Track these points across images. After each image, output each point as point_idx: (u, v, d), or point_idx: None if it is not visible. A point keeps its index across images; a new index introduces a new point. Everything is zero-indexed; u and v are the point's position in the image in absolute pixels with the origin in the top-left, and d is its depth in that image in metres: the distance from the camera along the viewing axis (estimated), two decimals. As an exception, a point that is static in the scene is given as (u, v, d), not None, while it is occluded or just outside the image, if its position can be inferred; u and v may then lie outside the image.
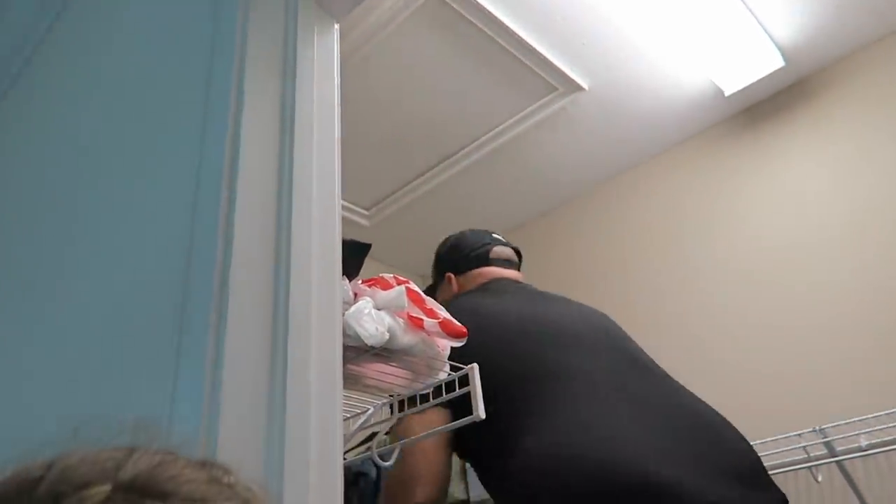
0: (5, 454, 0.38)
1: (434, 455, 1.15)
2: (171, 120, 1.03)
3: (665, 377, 1.25)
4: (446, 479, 1.16)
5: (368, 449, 1.17)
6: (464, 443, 1.18)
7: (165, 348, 0.78)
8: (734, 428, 1.19)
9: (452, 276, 1.51)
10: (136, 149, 1.10)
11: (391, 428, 1.22)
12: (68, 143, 1.38)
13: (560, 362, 1.17)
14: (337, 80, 1.02)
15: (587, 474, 0.97)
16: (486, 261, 1.49)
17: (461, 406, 1.06)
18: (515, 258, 1.54)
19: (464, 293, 1.43)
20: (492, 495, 1.18)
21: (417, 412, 1.16)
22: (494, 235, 1.54)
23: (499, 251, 1.51)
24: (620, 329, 1.37)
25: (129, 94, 1.21)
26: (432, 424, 1.11)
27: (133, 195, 1.04)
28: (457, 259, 1.52)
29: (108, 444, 0.38)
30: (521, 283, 1.49)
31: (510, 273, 1.49)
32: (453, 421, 1.09)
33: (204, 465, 0.39)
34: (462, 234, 1.56)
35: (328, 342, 0.81)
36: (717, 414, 1.20)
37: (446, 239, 1.58)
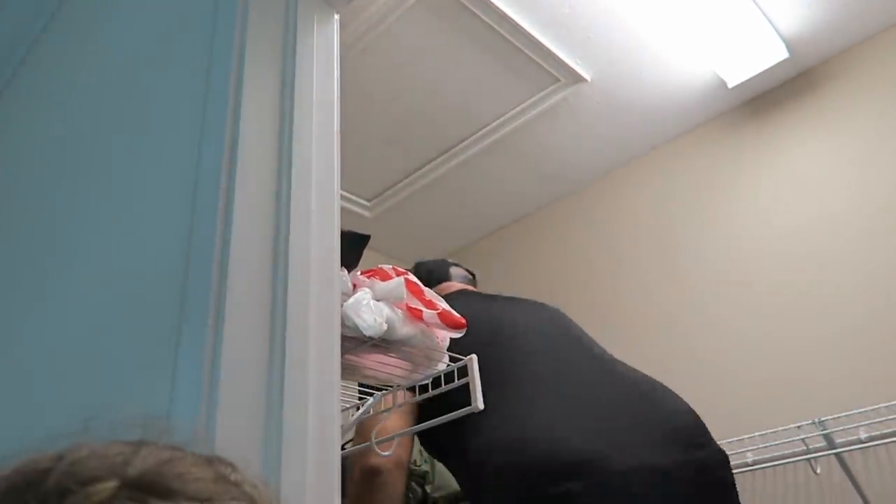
0: (4, 447, 0.39)
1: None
2: (169, 112, 1.03)
3: (606, 358, 1.30)
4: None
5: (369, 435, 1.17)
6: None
7: (164, 339, 0.78)
8: (673, 394, 1.23)
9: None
10: (134, 142, 1.10)
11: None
12: (67, 138, 1.38)
13: (511, 353, 1.23)
14: (337, 71, 1.02)
15: (528, 456, 1.02)
16: (446, 276, 1.63)
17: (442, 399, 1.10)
18: (471, 276, 1.70)
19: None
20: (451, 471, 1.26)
21: (415, 402, 1.17)
22: (450, 261, 1.71)
23: (455, 271, 1.67)
24: (566, 317, 1.44)
25: (127, 87, 1.21)
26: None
27: (131, 188, 1.04)
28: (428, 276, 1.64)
29: (117, 437, 0.38)
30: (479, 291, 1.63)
31: (469, 287, 1.63)
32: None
33: (211, 462, 0.39)
34: (420, 262, 1.70)
35: (326, 333, 0.82)
36: (656, 384, 1.25)
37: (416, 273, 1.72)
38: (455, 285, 1.61)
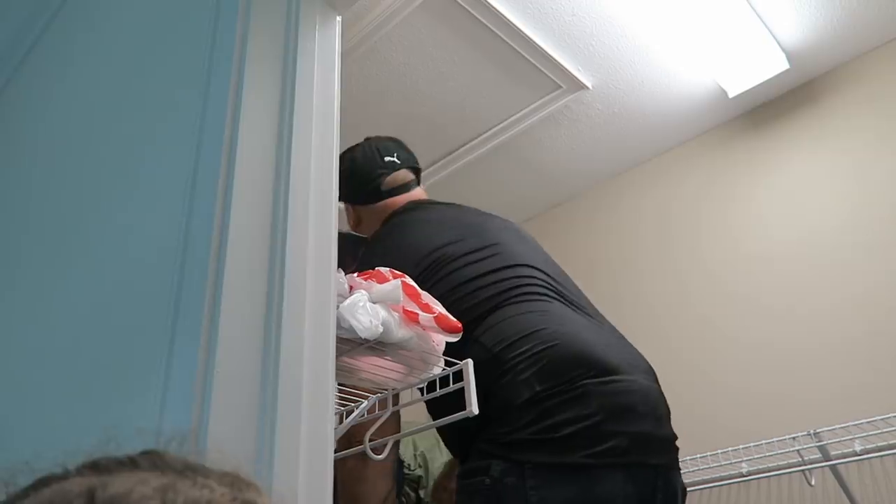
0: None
1: None
2: (169, 110, 1.03)
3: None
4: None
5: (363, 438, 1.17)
6: None
7: (158, 338, 0.78)
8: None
9: (350, 207, 1.53)
10: (132, 143, 1.10)
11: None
12: (65, 138, 1.38)
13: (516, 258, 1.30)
14: (338, 73, 1.03)
15: (554, 348, 1.12)
16: (378, 195, 1.48)
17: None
18: (411, 176, 1.53)
19: (376, 234, 1.42)
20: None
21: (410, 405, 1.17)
22: (385, 160, 1.50)
23: (391, 180, 1.49)
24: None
25: (127, 88, 1.21)
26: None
27: (129, 188, 1.04)
28: (353, 193, 1.51)
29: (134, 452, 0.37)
30: (427, 201, 1.49)
31: (411, 195, 1.49)
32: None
33: (236, 498, 0.38)
34: (352, 163, 1.49)
35: (322, 334, 0.82)
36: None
37: (342, 157, 1.47)
38: (392, 202, 1.47)
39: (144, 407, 0.77)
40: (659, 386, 1.24)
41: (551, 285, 1.28)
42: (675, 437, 1.20)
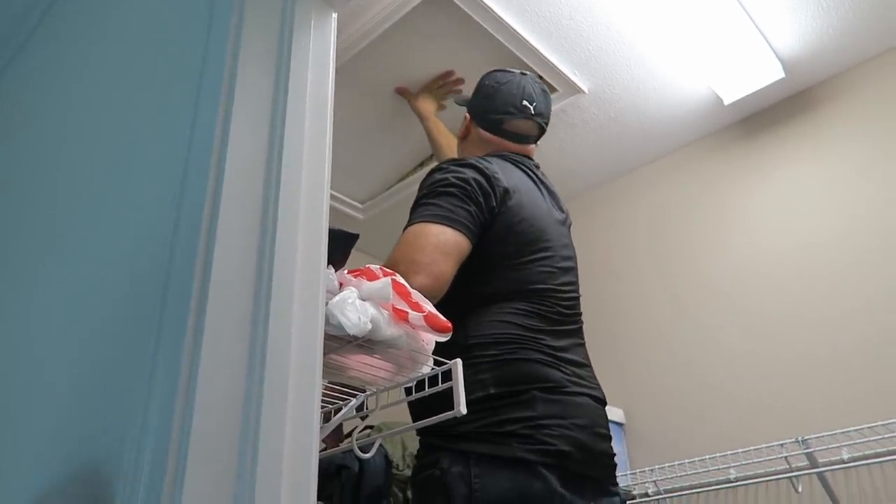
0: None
1: (443, 262, 1.20)
2: (162, 104, 1.03)
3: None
4: (444, 284, 1.20)
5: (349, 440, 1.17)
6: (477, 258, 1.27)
7: (144, 333, 0.78)
8: None
9: (471, 121, 1.59)
10: (124, 139, 1.10)
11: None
12: (57, 133, 1.38)
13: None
14: (332, 71, 1.02)
15: (515, 362, 1.21)
16: (497, 130, 1.53)
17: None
18: (532, 132, 1.56)
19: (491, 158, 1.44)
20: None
21: (398, 404, 1.17)
22: (524, 103, 1.53)
23: (514, 126, 1.53)
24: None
25: (120, 82, 1.21)
26: (447, 242, 1.21)
27: (120, 183, 1.04)
28: (479, 111, 1.57)
29: None
30: (522, 164, 1.50)
31: (519, 148, 1.53)
32: (470, 248, 1.25)
33: None
34: (497, 87, 1.56)
35: (309, 330, 0.81)
36: None
37: (491, 75, 1.60)
38: (503, 144, 1.52)
39: (127, 403, 0.76)
40: (604, 410, 1.30)
41: (551, 304, 1.32)
42: (611, 456, 1.26)
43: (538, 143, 1.61)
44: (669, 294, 2.49)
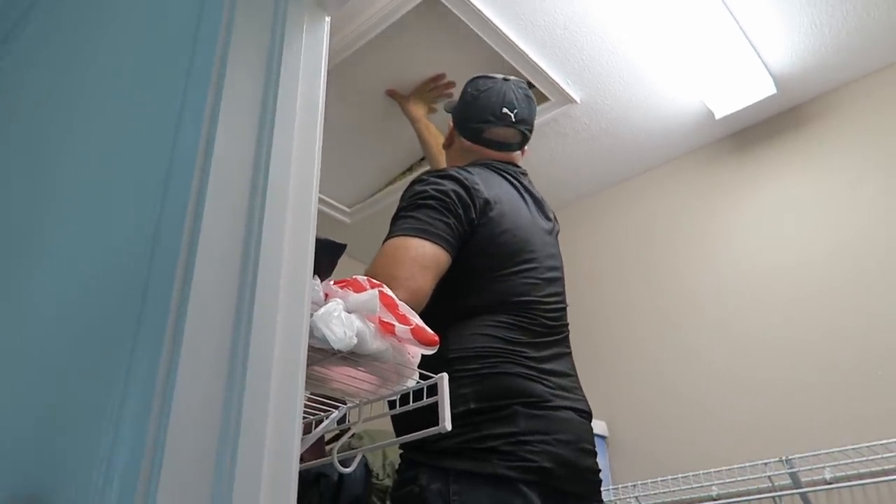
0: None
1: (420, 277, 1.18)
2: (148, 103, 1.00)
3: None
4: (423, 299, 1.18)
5: (332, 450, 1.14)
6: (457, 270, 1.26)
7: (120, 341, 0.75)
8: None
9: (454, 129, 1.58)
10: (111, 130, 1.07)
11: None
12: (43, 125, 1.34)
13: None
14: (324, 75, 1.00)
15: (497, 376, 1.20)
16: (477, 139, 1.51)
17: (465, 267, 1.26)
18: (514, 140, 1.53)
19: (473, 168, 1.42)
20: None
21: (382, 417, 1.15)
22: (504, 111, 1.50)
23: (494, 134, 1.51)
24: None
25: (107, 75, 1.18)
26: (425, 255, 1.20)
27: (104, 177, 1.01)
28: (460, 119, 1.56)
29: None
30: (505, 172, 1.47)
31: (502, 156, 1.52)
32: (449, 261, 1.24)
33: None
34: (477, 95, 1.53)
35: (293, 342, 0.79)
36: None
37: (473, 82, 1.57)
38: (484, 153, 1.51)
39: (101, 410, 0.73)
40: (590, 425, 1.29)
41: (534, 316, 1.30)
42: (596, 472, 1.25)
43: (525, 148, 1.58)
44: (655, 308, 2.48)
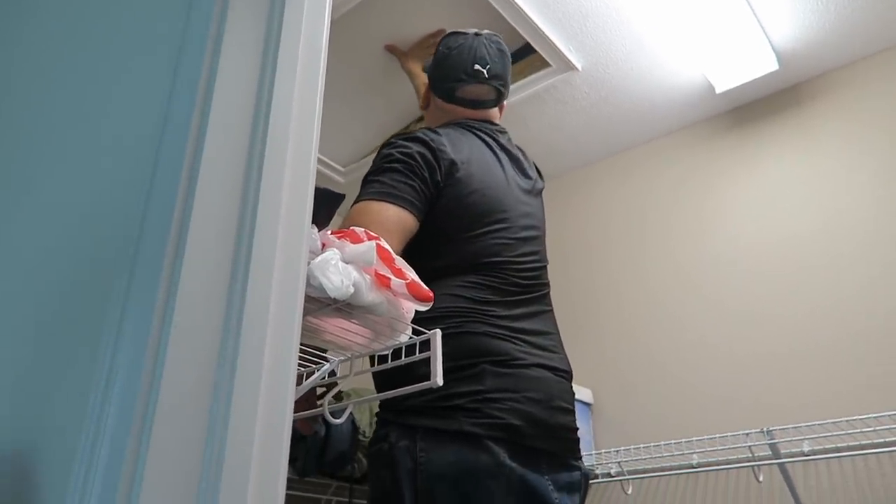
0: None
1: (385, 241, 1.16)
2: (145, 43, 0.97)
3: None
4: None
5: (322, 402, 1.15)
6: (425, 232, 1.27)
7: (111, 290, 0.74)
8: None
9: (428, 90, 1.56)
10: (106, 67, 1.04)
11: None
12: (33, 60, 1.31)
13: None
14: (327, 23, 0.98)
15: (463, 336, 1.21)
16: (451, 98, 1.49)
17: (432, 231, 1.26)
18: (488, 96, 1.50)
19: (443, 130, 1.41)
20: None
21: (376, 370, 1.15)
22: (476, 68, 1.47)
23: (467, 92, 1.48)
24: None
25: (105, 10, 1.15)
26: (389, 219, 1.20)
27: (97, 117, 0.99)
28: (434, 79, 1.54)
29: None
30: (480, 131, 1.45)
31: (477, 114, 1.49)
32: (415, 223, 1.24)
33: None
34: (447, 53, 1.50)
35: (290, 289, 0.78)
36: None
37: (445, 40, 1.54)
38: (458, 112, 1.48)
39: (93, 359, 0.73)
40: (568, 384, 1.28)
41: (505, 276, 1.29)
42: (571, 430, 1.24)
43: (503, 104, 1.56)
44: (644, 279, 2.50)
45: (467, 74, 1.47)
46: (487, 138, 1.44)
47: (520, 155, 1.50)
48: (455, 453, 1.10)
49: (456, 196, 1.28)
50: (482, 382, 1.15)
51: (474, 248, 1.28)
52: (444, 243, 1.27)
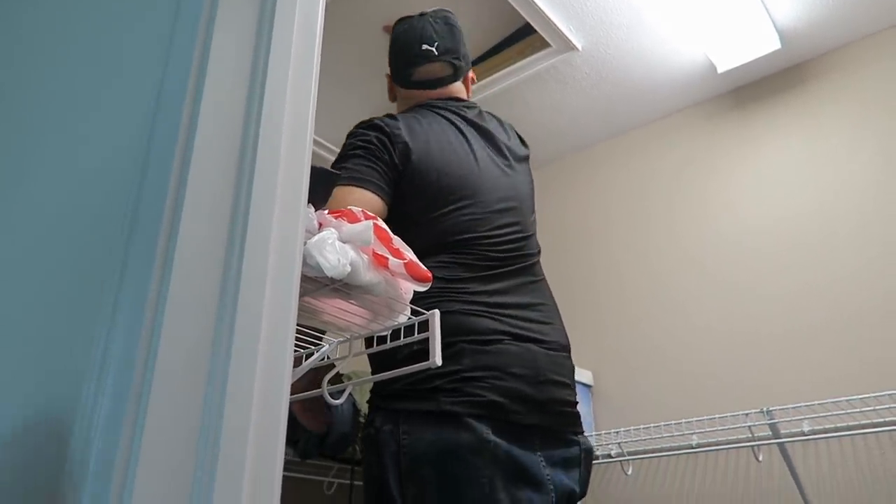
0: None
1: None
2: (136, 25, 0.96)
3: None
4: None
5: (322, 383, 1.15)
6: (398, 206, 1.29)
7: (108, 266, 0.74)
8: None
9: (390, 79, 1.56)
10: (100, 45, 1.03)
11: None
12: (27, 38, 1.30)
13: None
14: (322, 3, 0.97)
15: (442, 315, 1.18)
16: (408, 83, 1.49)
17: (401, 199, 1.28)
18: (444, 73, 1.48)
19: (402, 115, 1.41)
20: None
21: (373, 352, 1.15)
22: (424, 48, 1.46)
23: (421, 74, 1.47)
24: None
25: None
26: (357, 201, 1.19)
27: (91, 94, 0.98)
28: (392, 69, 1.53)
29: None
30: (444, 110, 1.44)
31: (439, 93, 1.48)
32: (383, 204, 1.26)
33: None
34: (396, 39, 1.51)
35: (286, 268, 0.78)
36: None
37: (395, 27, 1.54)
38: (417, 96, 1.48)
39: (86, 338, 0.73)
40: (561, 356, 1.26)
41: (479, 251, 1.29)
42: (566, 404, 1.23)
43: (469, 76, 1.55)
44: (645, 260, 2.49)
45: (417, 56, 1.46)
46: (452, 116, 1.43)
47: (493, 126, 1.48)
48: (435, 433, 1.11)
49: (413, 179, 1.29)
50: (460, 362, 1.15)
51: (441, 227, 1.28)
52: (410, 226, 1.26)
